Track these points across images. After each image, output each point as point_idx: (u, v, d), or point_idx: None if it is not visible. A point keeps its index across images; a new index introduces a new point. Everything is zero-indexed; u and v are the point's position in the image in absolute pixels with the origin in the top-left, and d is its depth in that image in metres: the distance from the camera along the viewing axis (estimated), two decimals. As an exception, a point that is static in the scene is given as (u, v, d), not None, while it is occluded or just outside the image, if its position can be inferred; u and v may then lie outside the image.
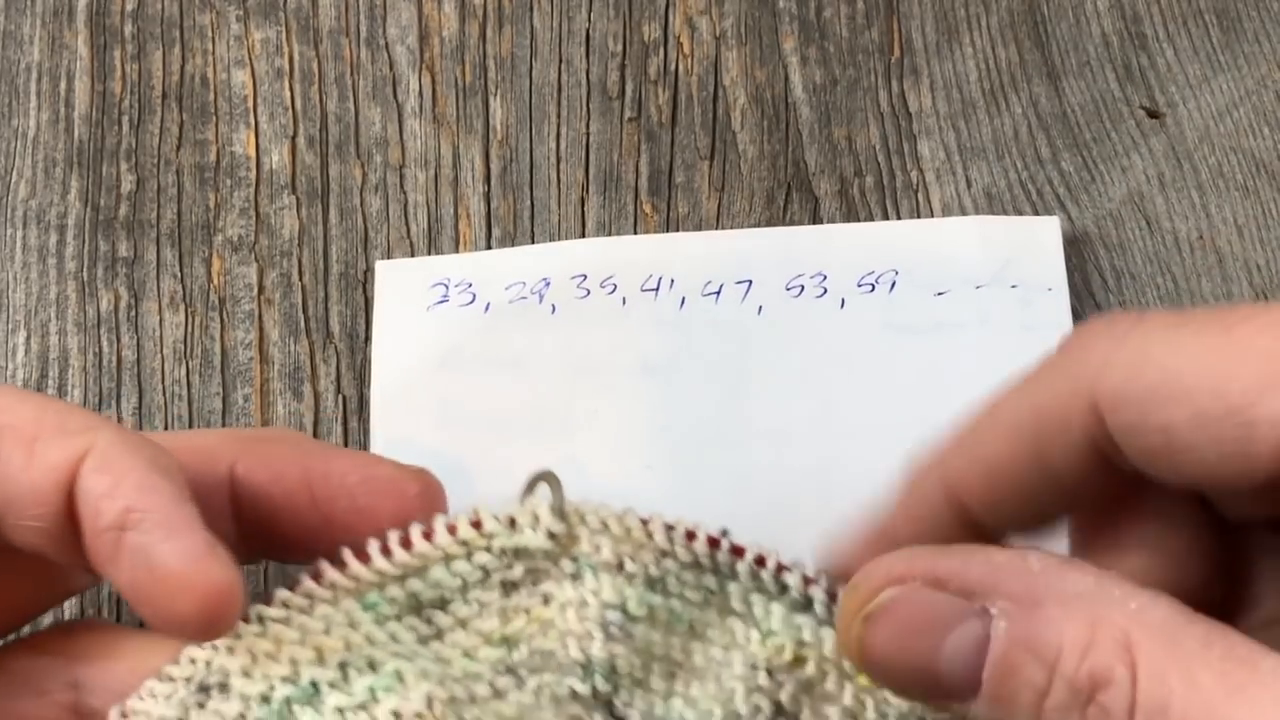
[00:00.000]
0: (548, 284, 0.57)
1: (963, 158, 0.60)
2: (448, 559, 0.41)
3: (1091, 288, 0.57)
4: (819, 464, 0.53)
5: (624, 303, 0.56)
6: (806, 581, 0.41)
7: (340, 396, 0.57)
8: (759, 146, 0.60)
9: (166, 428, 0.56)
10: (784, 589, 0.41)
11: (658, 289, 0.57)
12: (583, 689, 0.41)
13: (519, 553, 0.41)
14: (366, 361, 0.57)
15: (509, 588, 0.42)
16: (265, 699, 0.39)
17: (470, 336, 0.56)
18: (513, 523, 0.41)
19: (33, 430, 0.39)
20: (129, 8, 0.64)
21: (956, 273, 0.56)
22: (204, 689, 0.39)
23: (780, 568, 0.41)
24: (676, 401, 0.55)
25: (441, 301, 0.57)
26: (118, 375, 0.57)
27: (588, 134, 0.61)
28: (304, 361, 0.57)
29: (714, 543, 0.41)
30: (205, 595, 0.38)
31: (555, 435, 0.54)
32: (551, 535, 0.41)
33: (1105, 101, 0.61)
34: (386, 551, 0.41)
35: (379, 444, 0.54)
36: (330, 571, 0.41)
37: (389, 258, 0.58)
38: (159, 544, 0.38)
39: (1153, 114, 0.60)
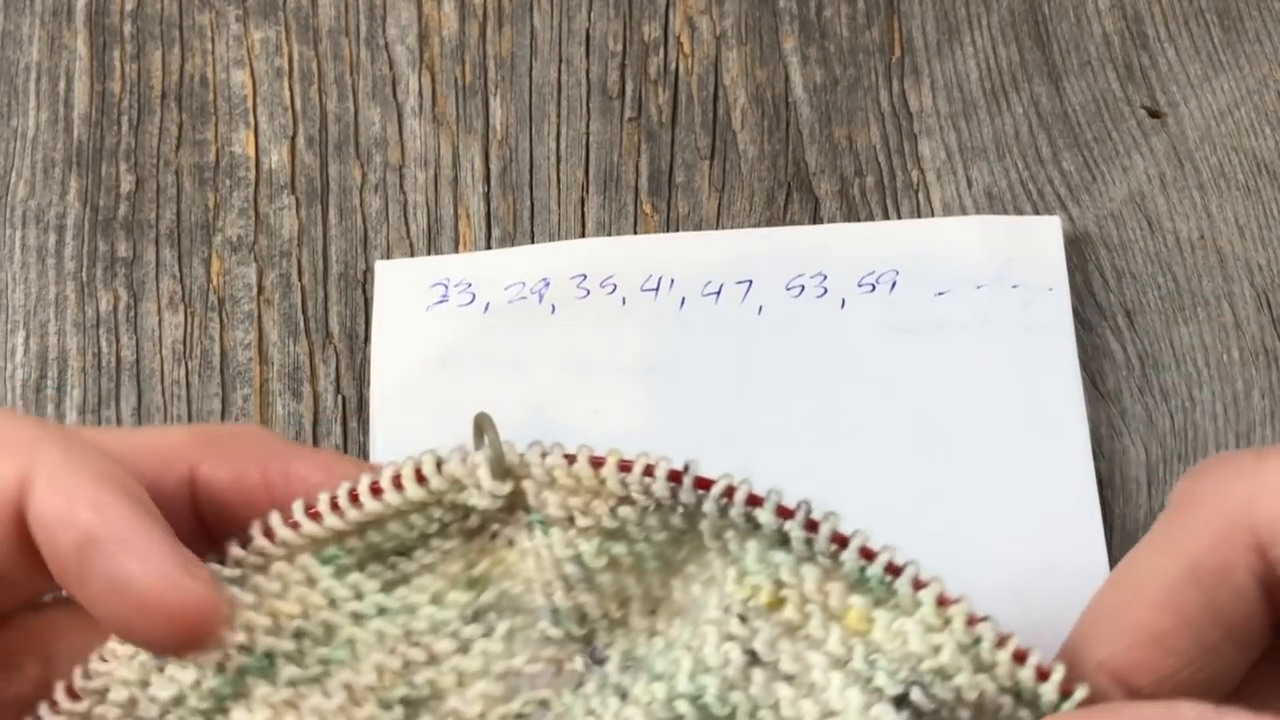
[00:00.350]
0: (547, 284, 0.57)
1: (963, 157, 0.60)
2: (400, 514, 0.39)
3: (1092, 287, 0.57)
4: (819, 464, 0.53)
5: (624, 303, 0.56)
6: (782, 514, 0.37)
7: (340, 397, 0.57)
8: (759, 146, 0.60)
9: (166, 428, 0.56)
10: (756, 525, 0.38)
11: (657, 289, 0.57)
12: (555, 633, 0.39)
13: (472, 510, 0.39)
14: (366, 362, 0.57)
15: (470, 534, 0.39)
16: (221, 668, 0.38)
17: (470, 336, 0.56)
18: (457, 482, 0.39)
19: None
20: (128, 7, 0.63)
21: (957, 272, 0.56)
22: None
23: (751, 499, 0.38)
24: (676, 401, 0.55)
25: (441, 301, 0.57)
26: (117, 376, 0.57)
27: (588, 134, 0.61)
28: (303, 362, 0.57)
29: (676, 477, 0.38)
30: (183, 613, 0.36)
31: (555, 435, 0.54)
32: (495, 495, 0.38)
33: (1106, 101, 0.61)
34: (336, 508, 0.38)
35: (378, 444, 0.54)
36: (282, 529, 0.38)
37: (388, 258, 0.58)
38: (125, 565, 0.36)
39: (1154, 113, 0.60)
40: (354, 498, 0.38)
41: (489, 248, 0.59)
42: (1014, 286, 0.56)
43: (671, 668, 0.38)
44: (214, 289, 0.58)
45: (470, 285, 0.57)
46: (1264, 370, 0.56)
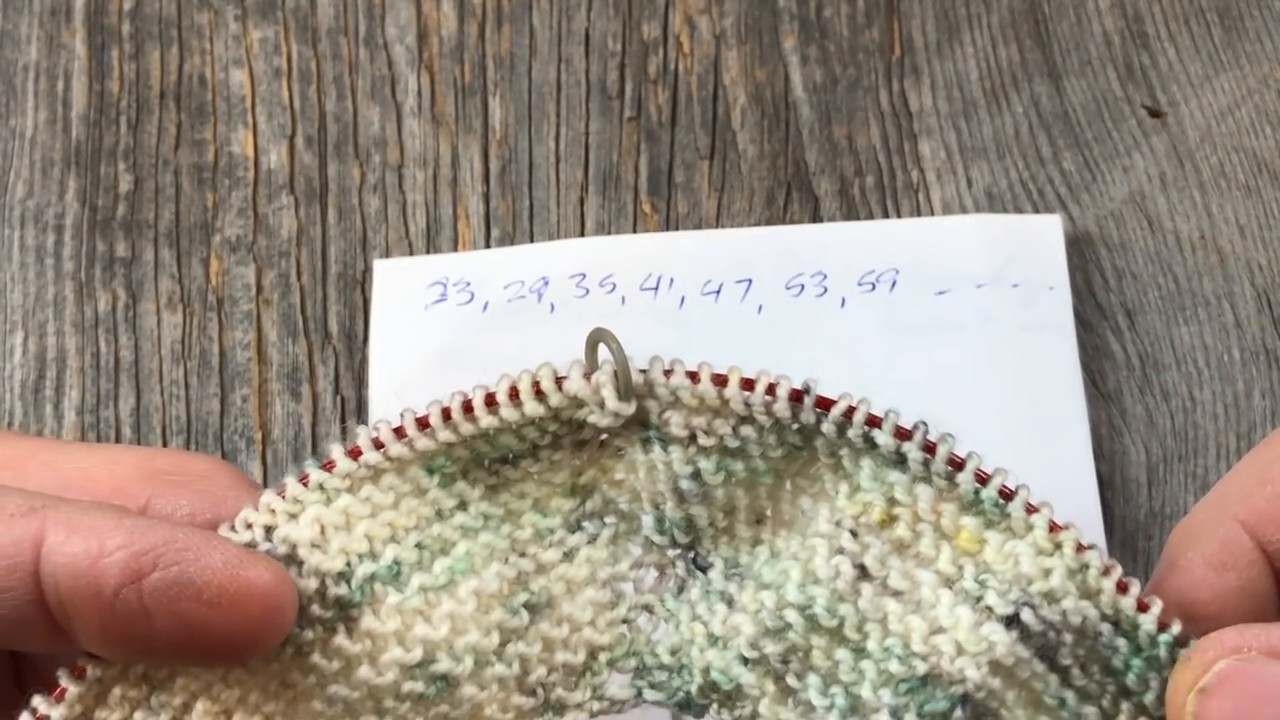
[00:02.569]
0: (546, 283, 0.57)
1: (964, 157, 0.60)
2: (516, 428, 0.39)
3: (1093, 287, 0.57)
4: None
5: (623, 302, 0.56)
6: (899, 435, 0.38)
7: (339, 397, 0.57)
8: (759, 146, 0.60)
9: (164, 428, 0.56)
10: (874, 444, 0.38)
11: (657, 288, 0.56)
12: (660, 539, 0.40)
13: (587, 423, 0.39)
14: (365, 362, 0.56)
15: (580, 445, 0.40)
16: (344, 577, 0.38)
17: (468, 336, 0.56)
18: (577, 400, 0.39)
19: None
20: (126, 7, 0.63)
21: (957, 272, 0.56)
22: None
23: (870, 420, 0.38)
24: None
25: (440, 301, 0.57)
26: (115, 376, 0.57)
27: (587, 134, 0.61)
28: (302, 362, 0.57)
29: (798, 397, 0.38)
30: (266, 595, 0.36)
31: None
32: (618, 415, 0.39)
33: (1107, 101, 0.61)
34: (449, 419, 0.38)
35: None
36: (395, 444, 0.38)
37: (388, 258, 0.58)
38: (192, 567, 0.36)
39: (1154, 113, 0.60)
40: (467, 409, 0.38)
41: (488, 247, 0.59)
42: (1014, 286, 0.55)
43: (780, 578, 0.39)
44: (213, 289, 0.58)
45: (469, 284, 0.57)
46: (1265, 370, 0.56)
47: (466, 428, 0.39)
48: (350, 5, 0.63)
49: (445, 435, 0.39)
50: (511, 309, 0.56)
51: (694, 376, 0.38)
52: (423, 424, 0.39)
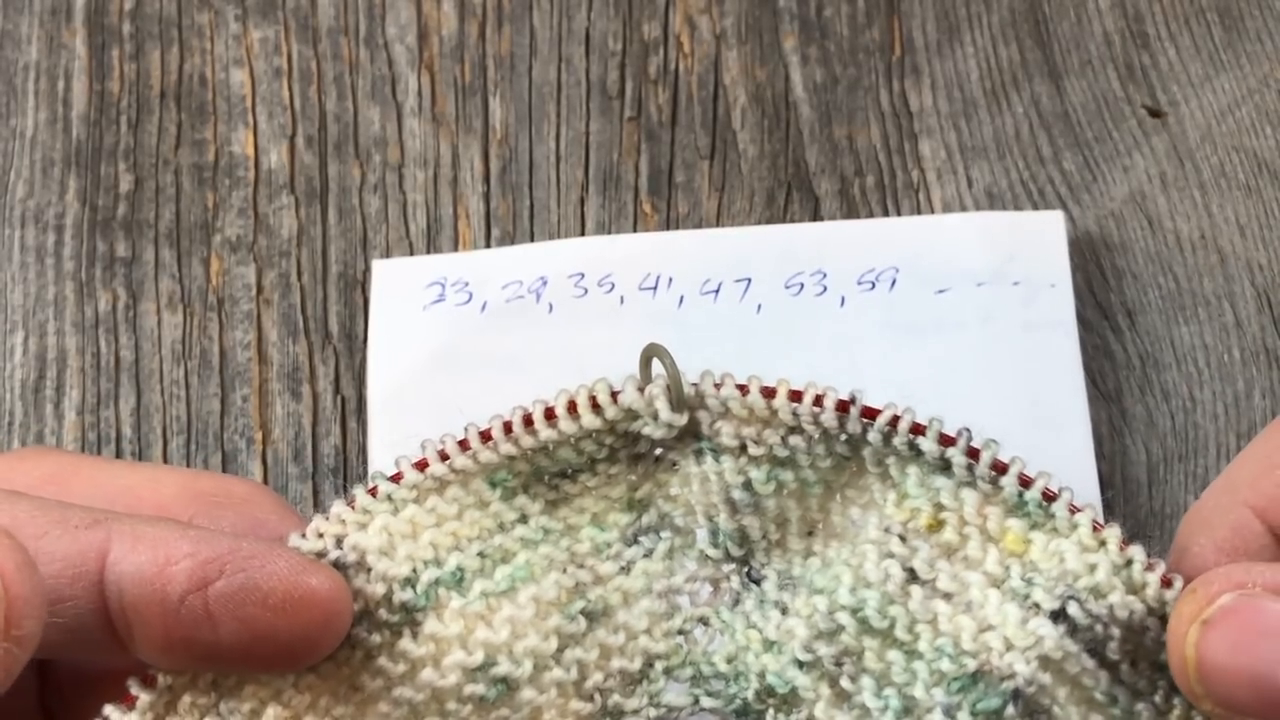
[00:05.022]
0: (545, 283, 0.57)
1: (964, 157, 0.60)
2: (574, 441, 0.41)
3: (1093, 287, 0.57)
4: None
5: (622, 301, 0.56)
6: (943, 441, 0.40)
7: (339, 397, 0.57)
8: (759, 146, 0.60)
9: (164, 429, 0.56)
10: (919, 452, 0.40)
11: (656, 287, 0.56)
12: (715, 553, 0.41)
13: (642, 436, 0.41)
14: (365, 362, 0.56)
15: (635, 459, 0.41)
16: (409, 582, 0.39)
17: (467, 336, 0.56)
18: (632, 412, 0.40)
19: (32, 528, 0.37)
20: (127, 7, 0.63)
21: (958, 270, 0.56)
22: (340, 566, 0.39)
23: (915, 428, 0.40)
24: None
25: (438, 301, 0.57)
26: (116, 376, 0.57)
27: (587, 133, 0.61)
28: (302, 362, 0.57)
29: (844, 407, 0.40)
30: (326, 601, 0.37)
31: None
32: (671, 426, 0.40)
33: (1107, 100, 0.60)
34: (510, 433, 0.40)
35: (377, 444, 0.54)
36: (459, 456, 0.40)
37: (387, 258, 0.58)
38: (258, 573, 0.37)
39: (1155, 113, 0.60)
40: (528, 422, 0.40)
41: (489, 247, 0.59)
42: (1015, 284, 0.55)
43: (832, 583, 0.40)
44: (213, 289, 0.58)
45: (467, 284, 0.57)
46: (1265, 370, 0.56)
47: (526, 440, 0.40)
48: (350, 5, 0.63)
49: (506, 448, 0.40)
50: (510, 309, 0.56)
51: (743, 389, 0.40)
52: (485, 437, 0.40)
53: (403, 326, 0.56)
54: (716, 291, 0.56)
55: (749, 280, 0.56)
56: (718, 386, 0.40)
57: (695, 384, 0.40)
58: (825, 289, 0.56)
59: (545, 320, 0.56)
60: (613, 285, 0.56)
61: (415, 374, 0.55)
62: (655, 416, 0.40)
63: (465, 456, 0.40)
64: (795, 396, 0.40)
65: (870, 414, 0.40)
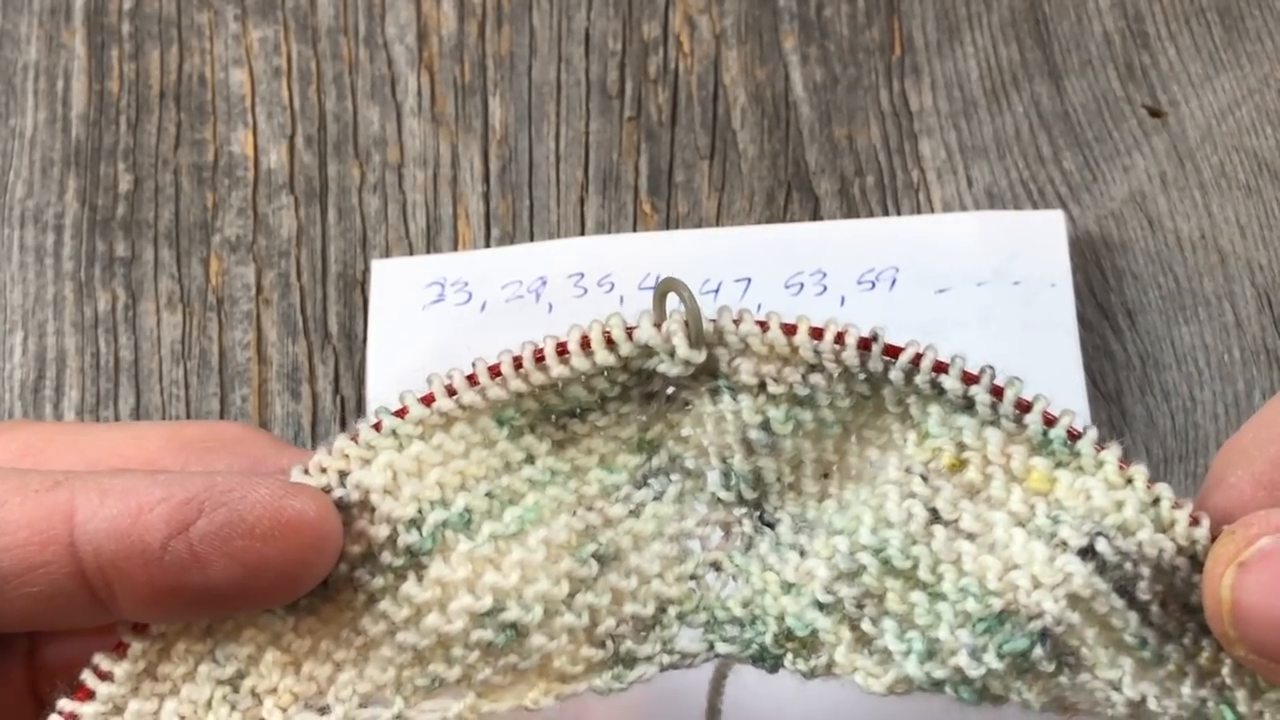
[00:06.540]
0: (544, 283, 0.57)
1: (964, 157, 0.60)
2: (585, 378, 0.39)
3: (1093, 287, 0.57)
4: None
5: (621, 301, 0.56)
6: (966, 379, 0.38)
7: (338, 397, 0.56)
8: (759, 146, 0.60)
9: (164, 428, 0.56)
10: (941, 390, 0.38)
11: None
12: (727, 496, 0.40)
13: (656, 373, 0.39)
14: (365, 362, 0.56)
15: (648, 397, 0.40)
16: (415, 524, 0.38)
17: (466, 335, 0.56)
18: (647, 349, 0.39)
19: None
20: (126, 7, 0.63)
21: (958, 270, 0.56)
22: (342, 506, 0.37)
23: (938, 366, 0.38)
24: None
25: (438, 301, 0.57)
26: (115, 376, 0.57)
27: (587, 133, 0.61)
28: (302, 362, 0.57)
29: (865, 345, 0.39)
30: (315, 522, 0.36)
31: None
32: (689, 363, 0.39)
33: (1107, 100, 0.60)
34: (520, 369, 0.39)
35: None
36: (467, 392, 0.39)
37: (386, 258, 0.58)
38: (240, 504, 0.35)
39: (1155, 113, 0.60)
40: (539, 359, 0.39)
41: (488, 247, 0.59)
42: (1015, 284, 0.55)
43: (852, 523, 0.39)
44: (212, 289, 0.58)
45: (467, 284, 0.57)
46: (1265, 370, 0.55)
47: (537, 377, 0.39)
48: (350, 5, 0.63)
49: (516, 384, 0.39)
50: (509, 309, 0.56)
51: (763, 325, 0.39)
52: (494, 373, 0.39)
53: (402, 326, 0.56)
54: (716, 291, 0.56)
55: (749, 280, 0.56)
56: (736, 323, 0.39)
57: (713, 320, 0.39)
58: (825, 289, 0.56)
59: (545, 320, 0.56)
60: (613, 285, 0.56)
61: (414, 374, 0.55)
62: (672, 353, 0.39)
63: (473, 392, 0.39)
64: (816, 333, 0.39)
65: (892, 352, 0.39)
